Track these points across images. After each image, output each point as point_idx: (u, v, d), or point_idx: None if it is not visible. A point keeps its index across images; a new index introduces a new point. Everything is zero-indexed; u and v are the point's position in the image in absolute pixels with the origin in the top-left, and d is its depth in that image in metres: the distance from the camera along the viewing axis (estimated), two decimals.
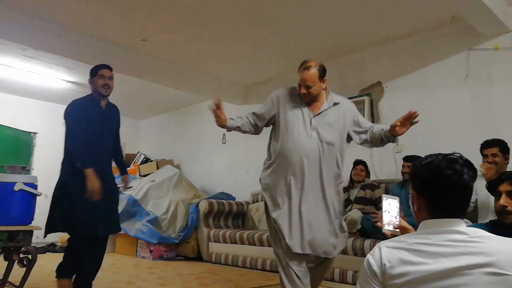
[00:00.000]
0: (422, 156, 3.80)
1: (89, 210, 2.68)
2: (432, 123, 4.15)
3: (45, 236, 2.79)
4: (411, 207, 1.25)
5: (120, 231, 3.25)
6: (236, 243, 4.55)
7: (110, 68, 3.10)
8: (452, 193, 1.13)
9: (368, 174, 4.25)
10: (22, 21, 4.05)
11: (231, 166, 6.20)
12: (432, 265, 1.04)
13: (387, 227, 1.39)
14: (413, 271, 1.04)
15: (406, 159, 3.67)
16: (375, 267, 1.09)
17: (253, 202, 5.48)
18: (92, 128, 2.82)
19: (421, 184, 1.19)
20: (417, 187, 1.21)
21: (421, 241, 1.09)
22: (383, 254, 1.10)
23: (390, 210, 1.43)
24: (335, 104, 2.61)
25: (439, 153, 1.20)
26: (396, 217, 1.42)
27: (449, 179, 1.12)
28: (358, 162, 4.24)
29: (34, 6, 3.92)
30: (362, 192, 4.02)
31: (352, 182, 4.18)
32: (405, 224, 1.43)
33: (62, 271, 2.74)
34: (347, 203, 4.05)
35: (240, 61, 5.19)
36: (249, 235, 4.42)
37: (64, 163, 2.89)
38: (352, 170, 4.18)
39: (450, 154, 1.16)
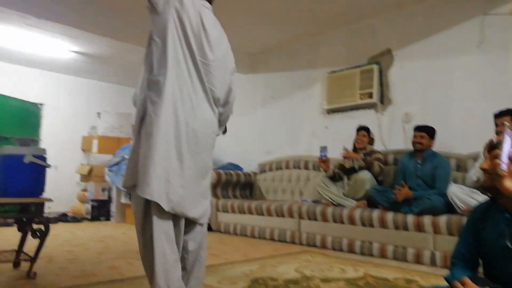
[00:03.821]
0: (433, 125, 3.78)
1: None
2: (443, 92, 4.07)
3: None
4: None
5: None
6: (244, 213, 4.60)
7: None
8: None
9: (371, 141, 4.16)
10: None
11: (237, 136, 6.18)
12: None
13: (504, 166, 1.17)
14: None
15: (418, 128, 3.61)
16: None
17: (261, 172, 5.49)
18: None
19: None
20: None
21: None
22: None
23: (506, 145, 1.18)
24: None
25: None
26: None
27: None
28: (360, 128, 4.14)
29: None
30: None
31: (355, 150, 4.11)
32: None
33: None
34: (352, 171, 4.02)
35: (246, 28, 5.06)
36: (257, 206, 4.45)
37: None
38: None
39: None
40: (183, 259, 1.82)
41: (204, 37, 1.80)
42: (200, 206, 1.81)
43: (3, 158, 2.67)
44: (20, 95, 6.28)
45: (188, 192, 1.74)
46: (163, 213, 1.68)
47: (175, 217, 1.73)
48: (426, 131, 3.57)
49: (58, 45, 5.60)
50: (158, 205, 1.66)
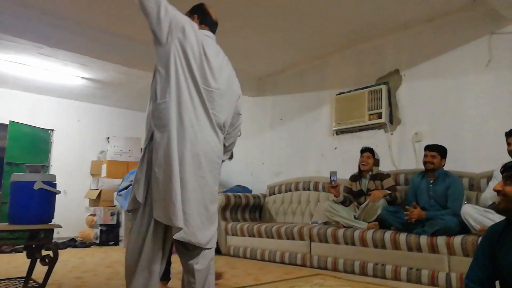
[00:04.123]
0: (444, 145, 3.75)
1: None
2: (452, 112, 4.05)
3: None
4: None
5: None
6: (254, 236, 4.54)
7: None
8: None
9: (376, 162, 4.04)
10: (36, 19, 4.07)
11: (246, 158, 6.18)
12: None
13: None
14: None
15: (429, 148, 3.56)
16: None
17: (270, 195, 5.45)
18: None
19: None
20: None
21: None
22: None
23: None
24: None
25: None
26: None
27: None
28: (365, 149, 4.04)
29: (48, 3, 3.94)
30: (372, 184, 3.89)
31: (360, 172, 4.04)
32: None
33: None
34: (360, 194, 3.97)
35: (254, 51, 5.13)
36: (266, 228, 4.39)
37: None
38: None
39: None
40: (190, 284, 1.79)
41: (206, 65, 1.85)
42: (206, 231, 1.80)
43: (14, 184, 2.68)
44: (32, 122, 6.45)
45: (194, 218, 1.74)
46: (157, 236, 1.74)
47: (164, 239, 1.77)
48: (438, 151, 3.52)
49: (69, 73, 5.72)
50: (156, 227, 1.73)
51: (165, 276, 3.00)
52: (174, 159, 1.71)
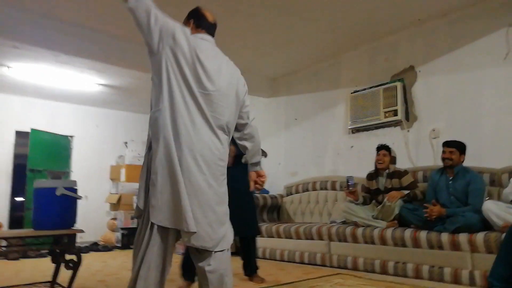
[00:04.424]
0: (463, 140, 3.71)
1: None
2: (471, 106, 3.98)
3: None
4: None
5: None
6: (272, 236, 4.55)
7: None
8: None
9: (393, 160, 4.01)
10: (54, 28, 4.17)
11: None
12: None
13: None
14: None
15: (447, 144, 3.51)
16: None
17: (287, 195, 5.45)
18: None
19: None
20: None
21: None
22: None
23: None
24: None
25: None
26: None
27: None
28: (381, 147, 4.03)
29: (64, 13, 4.04)
30: (389, 182, 3.87)
31: (376, 170, 4.02)
32: None
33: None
34: (378, 192, 3.94)
35: (268, 52, 5.13)
36: (285, 229, 4.40)
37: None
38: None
39: None
40: (204, 287, 1.79)
41: (200, 69, 1.83)
42: (214, 234, 1.78)
43: (37, 191, 2.75)
44: (52, 129, 6.58)
45: (198, 221, 1.73)
46: (154, 241, 1.72)
47: (165, 244, 1.75)
48: (456, 147, 3.47)
49: (86, 79, 5.82)
50: (151, 232, 1.71)
51: (191, 277, 3.04)
52: (175, 165, 1.71)
